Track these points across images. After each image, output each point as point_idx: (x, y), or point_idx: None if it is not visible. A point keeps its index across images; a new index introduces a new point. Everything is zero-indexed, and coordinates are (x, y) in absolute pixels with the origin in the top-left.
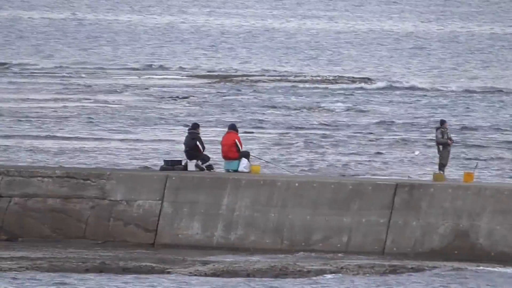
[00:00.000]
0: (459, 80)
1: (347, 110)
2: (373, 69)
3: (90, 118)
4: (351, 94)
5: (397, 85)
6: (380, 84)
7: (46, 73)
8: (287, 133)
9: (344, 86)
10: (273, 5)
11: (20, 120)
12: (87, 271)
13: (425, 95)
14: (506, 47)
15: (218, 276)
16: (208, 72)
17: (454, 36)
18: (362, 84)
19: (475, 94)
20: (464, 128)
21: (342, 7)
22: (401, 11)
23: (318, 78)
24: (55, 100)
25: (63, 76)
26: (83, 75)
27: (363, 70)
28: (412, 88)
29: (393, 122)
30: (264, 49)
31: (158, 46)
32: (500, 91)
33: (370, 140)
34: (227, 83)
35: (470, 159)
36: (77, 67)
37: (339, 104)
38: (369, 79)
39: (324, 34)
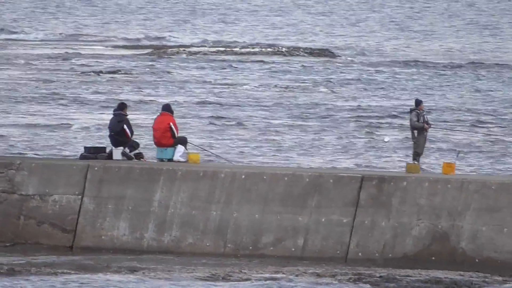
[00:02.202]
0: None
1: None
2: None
3: None
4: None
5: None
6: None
7: None
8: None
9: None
10: None
11: None
12: None
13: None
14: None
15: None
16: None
17: None
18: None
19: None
20: (442, 109)
21: None
22: None
23: (270, 49)
24: None
25: None
26: None
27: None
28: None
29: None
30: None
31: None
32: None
33: (327, 126)
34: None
35: (450, 145)
36: None
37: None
38: (329, 51)
39: None
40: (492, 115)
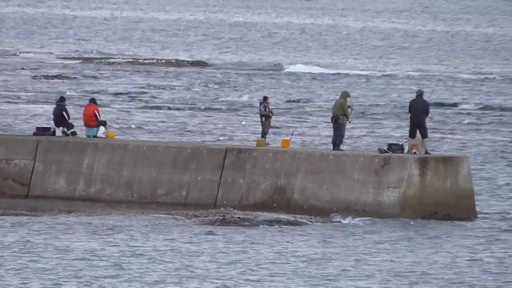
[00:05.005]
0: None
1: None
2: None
3: None
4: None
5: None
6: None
7: None
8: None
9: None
10: None
11: None
12: None
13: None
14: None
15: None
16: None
17: None
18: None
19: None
20: (287, 102)
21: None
22: None
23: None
24: None
25: None
26: None
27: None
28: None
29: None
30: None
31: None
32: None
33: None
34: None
35: (287, 127)
36: None
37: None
38: (202, 62)
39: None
40: (316, 106)
